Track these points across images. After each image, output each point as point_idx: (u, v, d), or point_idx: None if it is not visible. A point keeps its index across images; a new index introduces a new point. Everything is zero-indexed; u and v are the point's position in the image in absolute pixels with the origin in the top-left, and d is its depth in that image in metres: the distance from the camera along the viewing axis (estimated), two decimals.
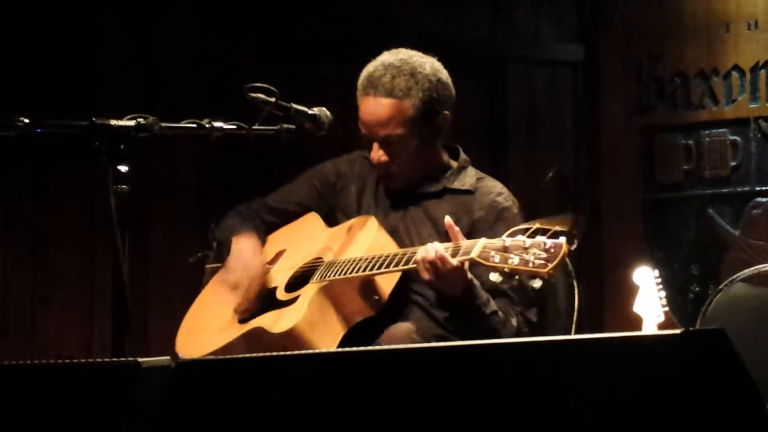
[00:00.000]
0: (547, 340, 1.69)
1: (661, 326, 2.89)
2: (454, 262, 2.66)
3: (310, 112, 2.79)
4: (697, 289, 4.84)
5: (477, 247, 2.61)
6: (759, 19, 4.81)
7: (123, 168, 2.35)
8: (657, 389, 1.58)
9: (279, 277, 3.02)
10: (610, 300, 4.89)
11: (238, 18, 4.49)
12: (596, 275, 4.95)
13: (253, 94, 2.73)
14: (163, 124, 2.49)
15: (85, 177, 4.09)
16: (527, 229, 2.59)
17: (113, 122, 2.40)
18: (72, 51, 4.21)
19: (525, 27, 5.10)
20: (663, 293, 2.98)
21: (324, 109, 2.83)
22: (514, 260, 2.53)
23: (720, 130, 4.89)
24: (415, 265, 2.71)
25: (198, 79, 4.38)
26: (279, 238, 3.16)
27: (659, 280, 3.00)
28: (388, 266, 2.75)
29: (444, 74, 2.98)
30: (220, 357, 1.76)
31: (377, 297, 2.84)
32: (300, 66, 4.51)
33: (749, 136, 4.83)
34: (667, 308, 2.91)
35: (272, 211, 3.19)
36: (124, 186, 2.34)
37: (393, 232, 2.96)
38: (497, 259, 2.56)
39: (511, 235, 2.60)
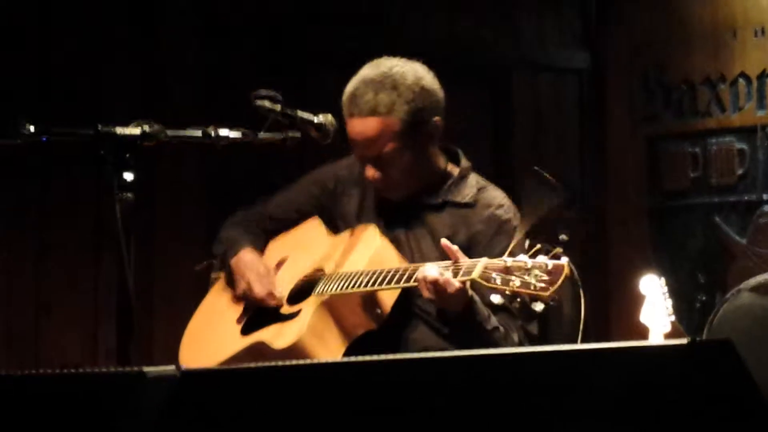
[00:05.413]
0: (553, 350, 1.68)
1: (667, 336, 2.87)
2: (456, 283, 2.64)
3: (315, 120, 2.77)
4: (704, 298, 4.82)
5: (478, 267, 2.60)
6: (766, 26, 4.79)
7: (128, 176, 2.34)
8: (664, 399, 1.58)
9: (281, 288, 3.01)
10: (617, 309, 4.87)
11: (240, 21, 4.49)
12: (602, 284, 4.94)
13: (259, 102, 2.72)
14: (169, 132, 2.48)
15: (90, 184, 4.08)
16: (530, 246, 2.58)
17: (119, 130, 2.38)
18: (72, 53, 4.19)
19: (529, 34, 5.09)
20: (669, 302, 2.97)
21: (329, 116, 2.81)
22: (516, 282, 2.52)
23: (727, 138, 4.88)
24: (416, 283, 2.69)
25: (199, 82, 4.37)
26: (280, 245, 3.14)
27: (665, 288, 2.99)
28: (389, 282, 2.73)
29: (428, 80, 2.91)
30: (226, 367, 1.75)
31: (379, 311, 2.83)
32: (302, 72, 4.50)
33: (756, 144, 4.81)
34: (673, 317, 2.89)
35: (273, 220, 3.17)
36: (128, 194, 2.33)
37: (394, 242, 2.94)
38: (498, 280, 2.55)
39: (512, 253, 2.58)
